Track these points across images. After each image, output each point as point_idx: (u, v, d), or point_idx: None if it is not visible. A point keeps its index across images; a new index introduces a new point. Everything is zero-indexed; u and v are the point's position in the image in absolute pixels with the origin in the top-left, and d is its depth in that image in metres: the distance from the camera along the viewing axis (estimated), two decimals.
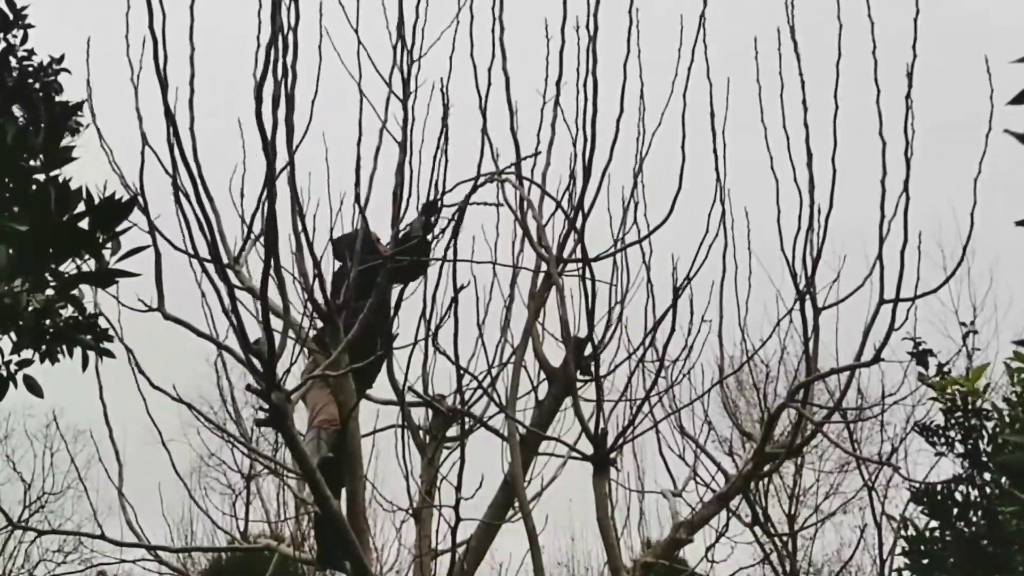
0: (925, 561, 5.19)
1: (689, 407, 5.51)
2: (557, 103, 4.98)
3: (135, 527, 5.14)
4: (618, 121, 4.57)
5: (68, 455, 15.97)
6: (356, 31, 5.02)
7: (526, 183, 5.14)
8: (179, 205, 3.50)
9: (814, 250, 4.35)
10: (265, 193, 3.45)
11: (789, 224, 4.42)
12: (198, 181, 3.40)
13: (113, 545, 4.74)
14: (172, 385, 4.65)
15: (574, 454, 4.92)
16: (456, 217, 5.15)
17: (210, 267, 3.62)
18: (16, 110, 2.98)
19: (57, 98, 3.14)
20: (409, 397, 5.38)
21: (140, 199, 4.11)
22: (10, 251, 2.77)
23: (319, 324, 4.96)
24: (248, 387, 3.72)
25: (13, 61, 3.12)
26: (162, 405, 4.90)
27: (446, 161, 5.02)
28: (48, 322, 3.00)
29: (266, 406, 3.64)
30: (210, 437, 17.85)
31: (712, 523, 4.95)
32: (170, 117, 3.31)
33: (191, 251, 3.66)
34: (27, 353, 3.01)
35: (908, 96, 3.95)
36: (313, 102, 4.75)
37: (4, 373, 2.97)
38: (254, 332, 3.69)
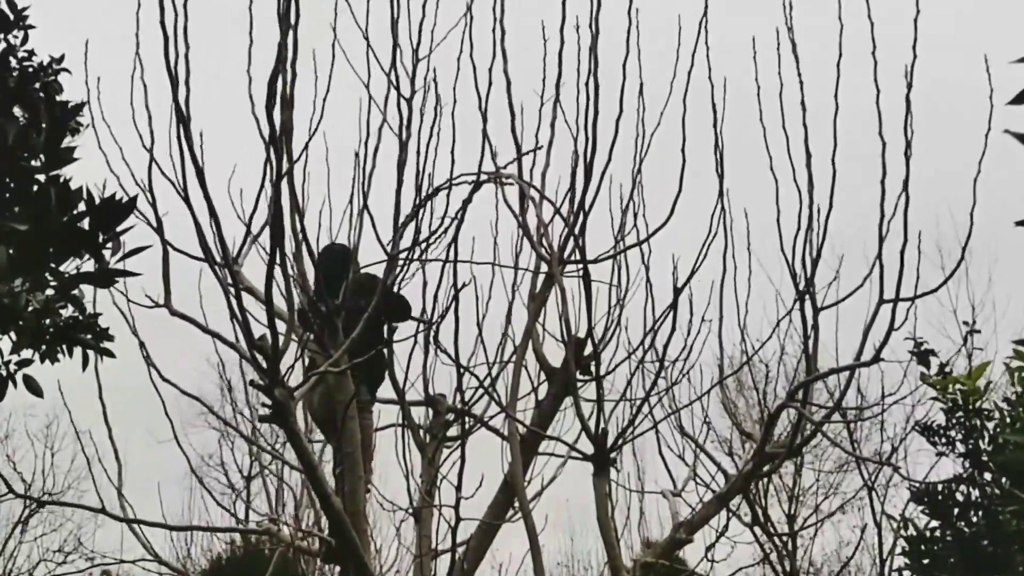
0: (925, 561, 5.19)
1: (689, 407, 5.52)
2: (557, 104, 4.99)
3: (134, 527, 5.14)
4: (617, 121, 4.57)
5: (71, 453, 16.04)
6: (365, 32, 5.03)
7: (525, 185, 5.14)
8: (188, 205, 3.51)
9: (814, 250, 4.36)
10: (271, 192, 3.46)
11: (789, 224, 4.43)
12: (199, 179, 3.41)
13: (112, 519, 4.74)
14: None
15: (574, 454, 4.93)
16: (457, 216, 5.16)
17: (217, 266, 3.65)
18: (17, 110, 2.98)
19: (57, 98, 3.14)
20: (410, 396, 5.39)
21: (148, 195, 4.14)
22: (10, 251, 2.77)
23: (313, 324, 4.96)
24: (251, 383, 3.75)
25: (13, 62, 3.12)
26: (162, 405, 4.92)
27: (452, 161, 5.05)
28: (48, 322, 3.00)
29: (269, 402, 3.66)
30: (208, 439, 17.83)
31: (712, 523, 4.95)
32: (180, 115, 3.33)
33: (198, 250, 3.69)
34: (27, 353, 3.01)
35: (908, 96, 3.95)
36: (325, 99, 4.78)
37: (4, 373, 2.98)
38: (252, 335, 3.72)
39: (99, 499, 4.75)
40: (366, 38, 5.01)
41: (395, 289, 5.16)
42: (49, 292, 2.97)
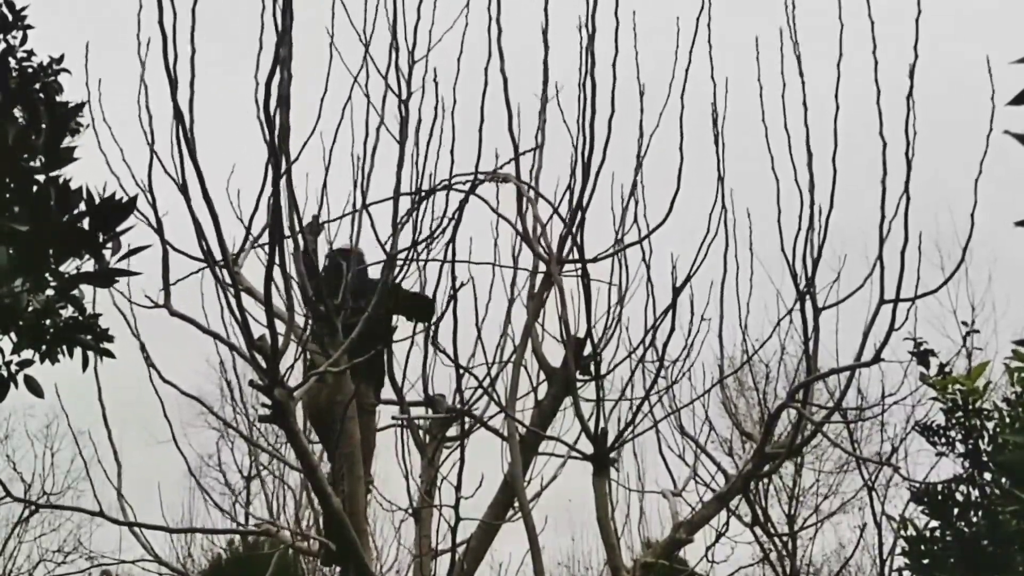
0: (925, 561, 5.18)
1: (689, 407, 5.52)
2: (547, 104, 4.99)
3: (135, 528, 5.14)
4: (610, 121, 4.57)
5: (71, 454, 16.02)
6: (364, 34, 5.03)
7: (522, 184, 5.14)
8: (189, 205, 3.51)
9: (814, 250, 4.36)
10: (270, 192, 3.46)
11: (790, 224, 4.43)
12: (199, 180, 3.41)
13: (112, 523, 4.75)
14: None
15: (574, 454, 4.92)
16: (455, 216, 5.16)
17: (216, 266, 3.65)
18: (16, 111, 2.98)
19: (57, 98, 3.14)
20: (409, 396, 5.39)
21: (148, 196, 4.14)
22: (10, 251, 2.76)
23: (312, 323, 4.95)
24: (251, 383, 3.74)
25: (13, 62, 3.12)
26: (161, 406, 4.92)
27: (452, 162, 5.05)
28: (48, 322, 2.99)
29: (268, 402, 3.66)
30: (208, 439, 17.85)
31: (712, 523, 4.95)
32: (180, 116, 3.33)
33: (198, 251, 3.69)
34: (27, 353, 3.00)
35: (909, 96, 3.95)
36: (322, 100, 4.77)
37: (5, 373, 2.97)
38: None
39: (96, 502, 4.74)
40: (365, 45, 5.00)
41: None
42: (49, 292, 2.96)
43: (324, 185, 5.17)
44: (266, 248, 3.59)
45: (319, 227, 5.37)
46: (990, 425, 5.39)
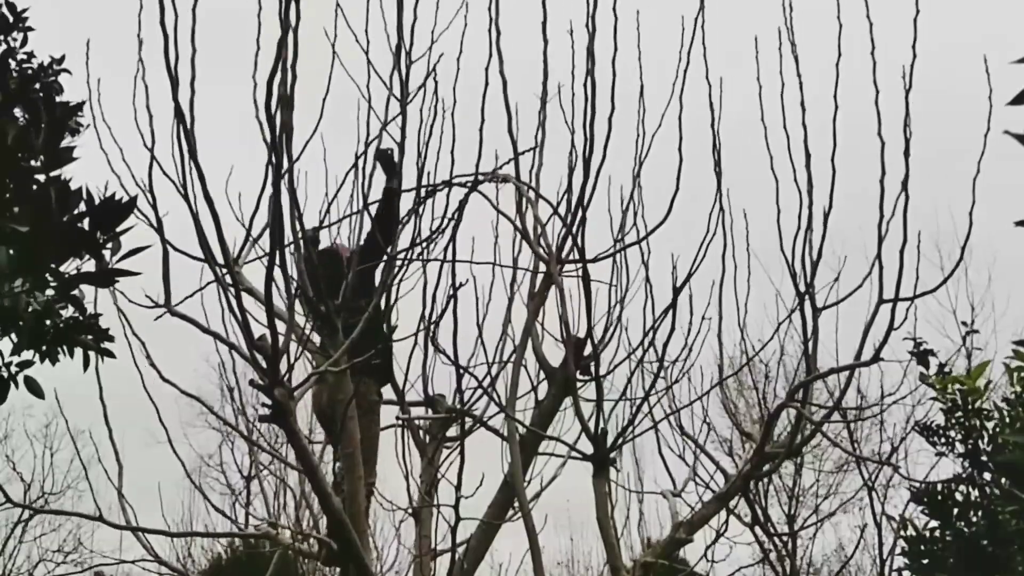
0: (925, 561, 5.18)
1: (689, 407, 5.52)
2: (546, 103, 5.00)
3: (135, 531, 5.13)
4: (610, 119, 4.57)
5: (70, 454, 16.03)
6: (364, 34, 5.03)
7: (522, 185, 5.15)
8: (189, 205, 3.51)
9: (814, 250, 4.37)
10: (270, 193, 3.46)
11: (789, 224, 4.43)
12: (199, 180, 3.41)
13: (111, 528, 4.75)
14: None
15: (574, 454, 4.93)
16: (455, 216, 5.16)
17: (217, 266, 3.66)
18: (17, 111, 2.98)
19: (57, 98, 3.14)
20: (409, 396, 5.39)
21: (149, 195, 4.15)
22: (10, 251, 2.76)
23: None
24: (251, 383, 3.75)
25: (13, 64, 3.12)
26: (162, 406, 4.93)
27: (452, 162, 5.06)
28: (48, 323, 2.99)
29: (268, 402, 3.66)
30: (209, 439, 17.85)
31: (712, 523, 4.95)
32: (181, 116, 3.33)
33: (198, 251, 3.70)
34: (28, 354, 3.00)
35: (907, 96, 3.95)
36: (324, 100, 4.78)
37: (5, 375, 2.97)
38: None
39: (95, 505, 4.73)
40: (365, 50, 5.01)
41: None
42: (49, 293, 2.96)
43: (328, 198, 5.19)
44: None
45: (313, 235, 5.38)
46: (990, 425, 5.39)
